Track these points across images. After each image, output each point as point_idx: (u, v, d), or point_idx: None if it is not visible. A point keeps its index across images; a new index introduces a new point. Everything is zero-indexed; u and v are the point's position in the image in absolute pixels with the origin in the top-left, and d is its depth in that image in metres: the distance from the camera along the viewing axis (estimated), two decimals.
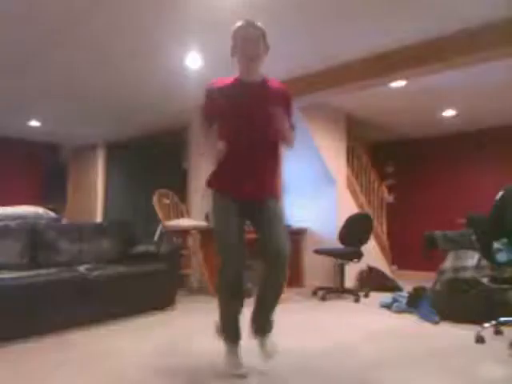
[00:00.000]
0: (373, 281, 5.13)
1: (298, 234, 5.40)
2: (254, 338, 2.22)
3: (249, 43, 2.09)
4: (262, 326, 2.22)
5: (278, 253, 2.11)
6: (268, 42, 2.17)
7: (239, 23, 2.12)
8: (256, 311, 2.23)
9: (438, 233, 4.07)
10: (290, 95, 2.30)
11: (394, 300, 3.96)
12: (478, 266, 3.54)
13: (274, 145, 2.25)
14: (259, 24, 2.13)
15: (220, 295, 2.23)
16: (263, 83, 2.22)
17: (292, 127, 2.27)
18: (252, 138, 2.16)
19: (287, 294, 4.39)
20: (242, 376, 2.14)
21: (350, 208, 5.34)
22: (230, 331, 2.25)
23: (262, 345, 2.19)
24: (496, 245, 2.88)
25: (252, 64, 2.15)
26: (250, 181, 2.19)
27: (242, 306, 2.23)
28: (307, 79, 4.16)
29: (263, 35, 2.14)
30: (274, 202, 2.26)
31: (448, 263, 3.76)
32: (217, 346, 2.30)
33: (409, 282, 5.00)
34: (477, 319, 3.10)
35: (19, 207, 4.05)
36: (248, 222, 2.27)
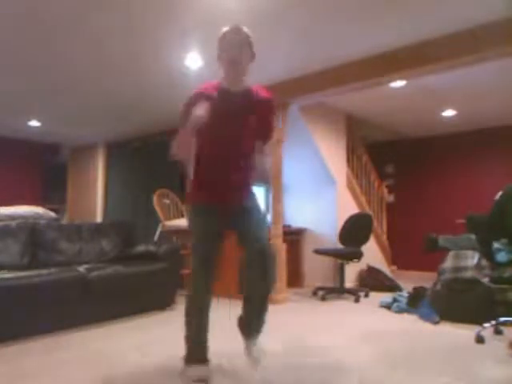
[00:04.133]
0: (373, 281, 5.13)
1: (297, 234, 5.40)
2: (243, 339, 2.20)
3: (233, 49, 2.07)
4: (249, 326, 2.18)
5: (260, 250, 2.05)
6: (254, 50, 2.15)
7: (226, 28, 2.11)
8: (244, 312, 2.19)
9: (441, 237, 4.10)
10: (272, 106, 2.27)
11: (394, 300, 3.96)
12: (478, 266, 3.54)
13: (250, 154, 2.24)
14: (246, 30, 2.10)
15: (187, 307, 2.19)
16: (245, 93, 2.18)
17: (268, 138, 2.30)
18: (228, 147, 2.17)
19: (287, 294, 4.41)
20: None
21: (350, 208, 5.34)
22: (196, 349, 2.15)
23: (249, 348, 2.15)
24: (496, 245, 2.88)
25: (236, 70, 2.12)
26: (225, 187, 2.19)
27: (207, 319, 2.18)
28: (307, 79, 4.15)
29: (249, 42, 2.11)
30: (250, 203, 2.25)
31: (448, 263, 3.77)
32: (216, 346, 2.30)
33: (409, 281, 5.00)
34: (477, 319, 3.10)
35: (19, 207, 4.06)
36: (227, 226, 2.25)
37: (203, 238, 2.19)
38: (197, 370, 2.11)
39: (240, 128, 2.16)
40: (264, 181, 2.36)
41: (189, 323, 2.18)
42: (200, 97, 2.15)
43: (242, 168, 2.22)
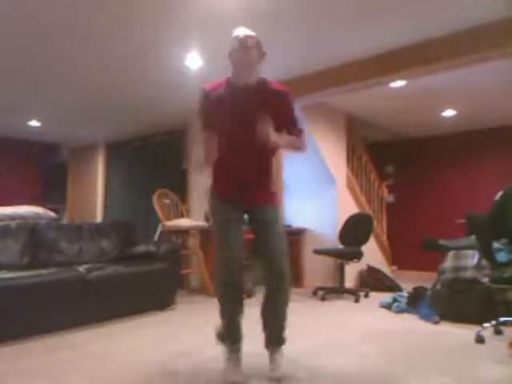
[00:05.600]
0: (373, 281, 5.13)
1: (297, 234, 5.40)
2: (266, 348, 2.23)
3: (244, 53, 2.12)
4: (270, 335, 2.23)
5: (280, 277, 2.13)
6: (264, 49, 2.19)
7: (236, 32, 2.16)
8: (264, 321, 2.24)
9: (441, 241, 4.10)
10: (289, 97, 2.25)
11: (394, 300, 3.96)
12: (478, 266, 3.54)
13: (268, 149, 2.22)
14: (253, 34, 2.16)
15: (218, 296, 2.24)
16: (258, 87, 2.19)
17: (296, 126, 2.27)
18: (245, 143, 2.16)
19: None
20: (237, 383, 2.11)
21: (350, 208, 5.34)
22: (229, 332, 2.23)
23: (271, 360, 2.18)
24: (496, 245, 2.88)
25: (246, 71, 2.17)
26: (245, 185, 2.21)
27: (241, 306, 2.23)
28: (307, 79, 4.16)
29: (258, 44, 2.16)
30: (272, 211, 2.25)
31: (448, 263, 3.76)
32: (216, 346, 2.30)
33: (409, 282, 5.00)
34: (477, 319, 3.10)
35: (19, 207, 4.05)
36: (246, 223, 2.30)
37: (224, 233, 2.19)
38: (231, 374, 2.14)
39: (253, 121, 2.11)
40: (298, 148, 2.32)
41: (224, 304, 2.22)
42: (206, 96, 2.19)
43: (259, 161, 2.21)
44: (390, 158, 7.00)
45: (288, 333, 2.24)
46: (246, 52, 2.12)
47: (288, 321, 2.22)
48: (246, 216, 2.29)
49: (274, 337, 2.22)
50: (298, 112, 2.36)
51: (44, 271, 3.18)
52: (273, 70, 4.03)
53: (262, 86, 2.21)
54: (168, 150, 6.22)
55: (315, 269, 5.29)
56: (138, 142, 6.76)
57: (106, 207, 7.23)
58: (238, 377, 2.12)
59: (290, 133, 2.25)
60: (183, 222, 4.79)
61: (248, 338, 2.26)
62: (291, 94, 2.27)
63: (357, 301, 4.35)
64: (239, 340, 2.22)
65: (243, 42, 2.11)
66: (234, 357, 2.19)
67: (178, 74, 4.13)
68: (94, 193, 7.30)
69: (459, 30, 3.24)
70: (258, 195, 2.24)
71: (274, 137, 2.07)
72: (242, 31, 2.15)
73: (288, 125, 2.24)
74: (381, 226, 6.10)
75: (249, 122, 2.12)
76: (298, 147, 2.31)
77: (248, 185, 2.23)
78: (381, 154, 6.84)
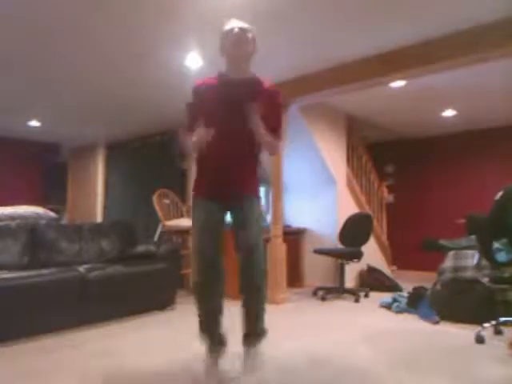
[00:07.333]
0: (373, 281, 5.13)
1: (297, 234, 5.40)
2: (242, 345, 2.17)
3: (239, 46, 2.11)
4: (247, 333, 2.16)
5: (248, 249, 2.01)
6: (257, 44, 2.18)
7: (229, 25, 2.13)
8: (242, 317, 2.16)
9: (441, 240, 4.11)
10: (278, 97, 2.26)
11: (394, 300, 3.96)
12: (478, 266, 3.54)
13: (255, 144, 2.20)
14: (248, 26, 2.14)
15: (194, 296, 2.20)
16: (251, 82, 2.20)
17: (278, 129, 2.24)
18: (233, 136, 2.14)
19: (287, 294, 4.41)
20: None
21: (349, 208, 5.34)
22: (206, 332, 2.20)
23: (246, 355, 2.13)
24: (496, 245, 2.88)
25: (241, 65, 2.17)
26: (228, 180, 2.17)
27: (218, 307, 2.19)
28: (307, 79, 4.16)
29: (253, 37, 2.15)
30: (251, 201, 2.18)
31: (448, 263, 3.77)
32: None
33: (409, 282, 5.00)
34: (477, 319, 3.10)
35: (19, 207, 4.06)
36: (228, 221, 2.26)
37: (204, 226, 2.14)
38: (209, 369, 2.15)
39: (242, 115, 2.10)
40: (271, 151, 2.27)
41: (197, 303, 2.20)
42: (199, 91, 2.18)
43: (245, 156, 2.19)
44: (390, 158, 7.00)
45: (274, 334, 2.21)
46: (243, 47, 2.11)
47: (266, 316, 2.14)
48: (228, 216, 2.23)
49: (250, 332, 2.14)
50: (289, 121, 2.37)
51: (44, 271, 3.18)
52: (273, 70, 4.04)
53: (257, 83, 2.21)
54: (168, 149, 6.22)
55: (315, 269, 5.29)
56: (137, 142, 6.77)
57: (105, 207, 7.23)
58: (212, 380, 2.11)
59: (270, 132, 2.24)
60: (183, 222, 4.79)
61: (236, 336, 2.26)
62: (282, 97, 2.29)
63: (357, 301, 4.35)
64: (217, 342, 2.18)
65: (239, 38, 2.10)
66: (213, 357, 2.16)
67: (178, 74, 4.13)
68: (94, 193, 7.30)
69: (459, 30, 3.24)
70: (242, 186, 2.18)
71: (262, 129, 2.08)
72: (236, 24, 2.12)
73: (273, 125, 2.21)
74: (381, 226, 6.10)
75: (240, 114, 2.09)
76: (273, 150, 2.25)
77: (233, 175, 2.17)
78: (381, 154, 6.83)
